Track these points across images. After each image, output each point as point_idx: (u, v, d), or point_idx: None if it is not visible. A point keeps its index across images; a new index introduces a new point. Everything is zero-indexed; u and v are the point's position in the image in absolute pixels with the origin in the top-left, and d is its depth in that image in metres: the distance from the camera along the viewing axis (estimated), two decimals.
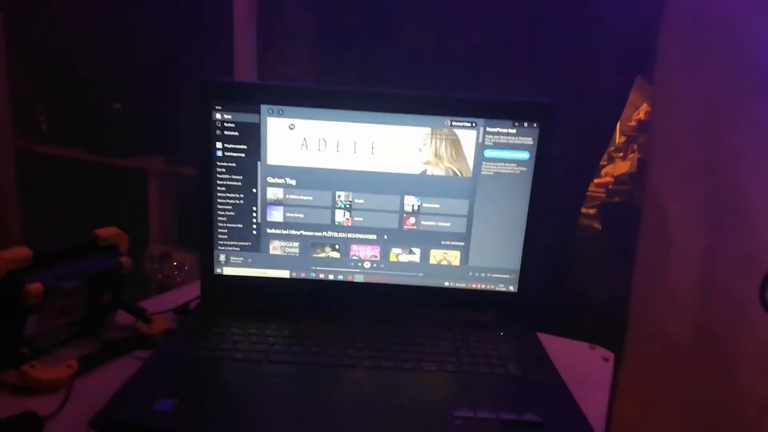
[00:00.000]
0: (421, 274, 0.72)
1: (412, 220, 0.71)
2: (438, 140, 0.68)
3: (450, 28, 1.14)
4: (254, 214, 0.70)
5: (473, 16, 1.12)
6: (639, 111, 1.77)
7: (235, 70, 1.35)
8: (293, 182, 0.70)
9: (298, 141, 0.68)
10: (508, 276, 0.72)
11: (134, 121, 1.69)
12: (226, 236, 0.71)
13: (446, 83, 1.12)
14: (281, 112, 0.68)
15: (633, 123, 1.80)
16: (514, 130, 0.68)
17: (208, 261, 0.72)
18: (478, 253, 0.72)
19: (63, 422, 0.50)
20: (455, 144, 0.69)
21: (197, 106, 0.68)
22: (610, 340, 0.82)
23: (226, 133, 0.68)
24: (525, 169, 0.69)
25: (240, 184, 0.69)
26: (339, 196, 0.70)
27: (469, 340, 0.65)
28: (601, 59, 1.06)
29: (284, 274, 0.72)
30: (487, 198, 0.70)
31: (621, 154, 1.89)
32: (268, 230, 0.71)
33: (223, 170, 0.69)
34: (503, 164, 0.69)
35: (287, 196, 0.70)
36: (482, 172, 0.69)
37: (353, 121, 0.68)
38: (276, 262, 0.72)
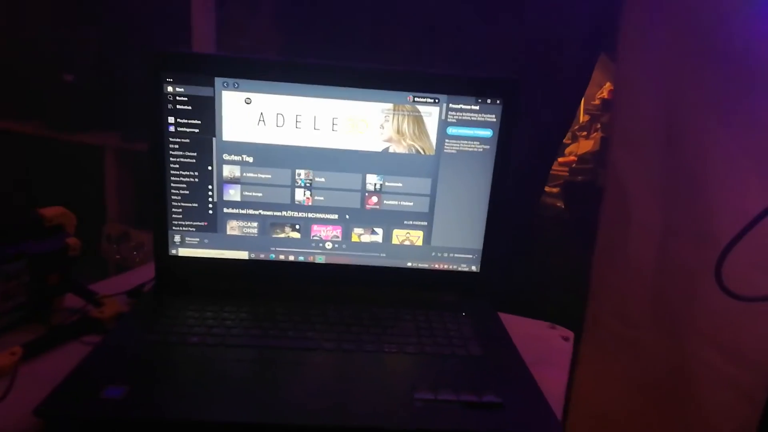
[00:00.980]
0: (384, 255, 0.71)
1: (375, 199, 0.69)
2: (400, 117, 0.67)
3: (411, 3, 1.12)
4: (210, 193, 0.68)
5: None
6: (602, 90, 1.79)
7: (193, 42, 1.30)
8: (250, 159, 0.67)
9: (255, 116, 0.66)
10: (471, 256, 0.72)
11: (87, 94, 1.62)
12: (180, 216, 0.68)
13: (409, 59, 1.10)
14: (236, 85, 0.65)
15: (597, 102, 1.82)
16: (477, 107, 0.67)
17: (162, 242, 0.69)
18: (441, 233, 0.71)
19: (6, 411, 0.48)
20: (418, 120, 0.67)
21: (148, 78, 0.64)
22: (572, 318, 0.84)
23: (178, 107, 0.65)
24: (488, 147, 0.68)
25: (194, 161, 0.67)
26: (299, 174, 0.68)
27: (431, 321, 0.64)
28: (564, 36, 1.05)
29: (243, 255, 0.70)
30: (450, 177, 0.69)
31: (584, 133, 1.91)
32: (225, 210, 0.69)
33: (176, 146, 0.66)
34: (466, 142, 0.68)
35: (244, 174, 0.68)
36: (445, 150, 0.68)
37: (313, 96, 0.65)
38: (234, 242, 0.70)
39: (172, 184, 0.67)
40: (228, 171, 0.67)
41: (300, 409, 0.47)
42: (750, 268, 0.80)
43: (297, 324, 0.61)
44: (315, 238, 0.70)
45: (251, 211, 0.69)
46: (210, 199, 0.68)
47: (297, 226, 0.70)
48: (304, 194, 0.69)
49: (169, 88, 0.64)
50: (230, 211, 0.69)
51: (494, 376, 0.55)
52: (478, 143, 0.68)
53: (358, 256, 0.71)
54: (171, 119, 0.65)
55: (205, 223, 0.69)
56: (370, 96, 0.66)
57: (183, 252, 0.70)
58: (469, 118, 0.67)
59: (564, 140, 1.63)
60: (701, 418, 0.95)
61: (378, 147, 0.67)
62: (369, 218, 0.70)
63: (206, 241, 0.69)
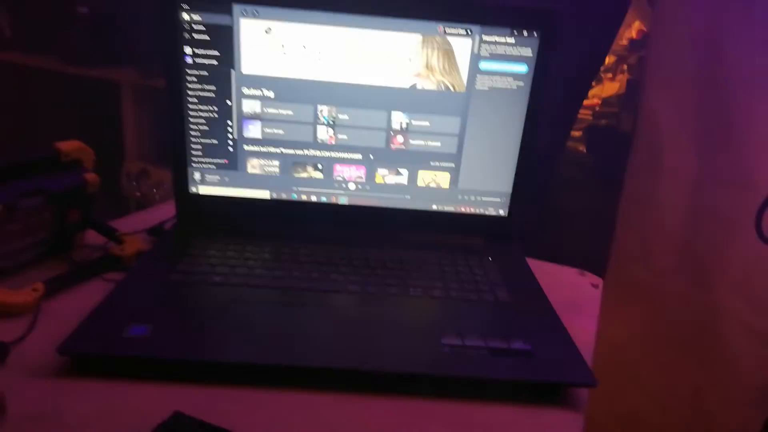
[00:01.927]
0: (409, 197, 0.69)
1: (400, 138, 0.66)
2: (430, 49, 0.63)
3: None
4: (230, 129, 0.65)
5: None
6: (631, 29, 1.69)
7: None
8: (271, 94, 0.64)
9: (276, 47, 0.62)
10: (499, 199, 0.69)
11: (103, 27, 1.57)
12: (200, 153, 0.66)
13: None
14: (256, 12, 0.61)
15: (624, 42, 1.72)
16: (512, 40, 0.62)
17: (182, 179, 0.67)
18: (469, 175, 0.68)
19: (29, 349, 0.47)
20: (448, 54, 0.63)
21: (163, 5, 0.61)
22: (596, 263, 0.82)
23: (195, 36, 0.61)
24: (522, 84, 0.64)
25: (213, 95, 0.64)
26: (321, 111, 0.65)
27: (457, 266, 0.62)
28: None
29: (264, 194, 0.68)
30: (481, 116, 0.65)
31: (610, 75, 1.82)
32: (246, 147, 0.66)
33: (194, 79, 0.63)
34: (499, 78, 0.64)
35: (265, 109, 0.65)
36: (476, 87, 0.64)
37: (336, 25, 0.61)
38: (255, 181, 0.68)
39: (191, 119, 0.64)
40: (248, 106, 0.64)
41: (324, 351, 0.47)
42: None
43: (321, 266, 0.60)
44: (338, 178, 0.68)
45: (272, 149, 0.66)
46: (230, 136, 0.66)
47: (319, 166, 0.67)
48: (327, 132, 0.66)
49: (185, 16, 0.61)
50: (251, 148, 0.66)
51: (523, 323, 0.53)
52: (512, 79, 0.64)
53: (382, 198, 0.69)
54: (188, 50, 0.62)
55: (226, 161, 0.67)
56: (397, 26, 0.62)
57: (203, 190, 0.68)
58: (503, 51, 0.63)
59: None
60: (725, 367, 0.94)
61: (405, 83, 0.64)
62: (394, 158, 0.67)
63: (227, 179, 0.67)
